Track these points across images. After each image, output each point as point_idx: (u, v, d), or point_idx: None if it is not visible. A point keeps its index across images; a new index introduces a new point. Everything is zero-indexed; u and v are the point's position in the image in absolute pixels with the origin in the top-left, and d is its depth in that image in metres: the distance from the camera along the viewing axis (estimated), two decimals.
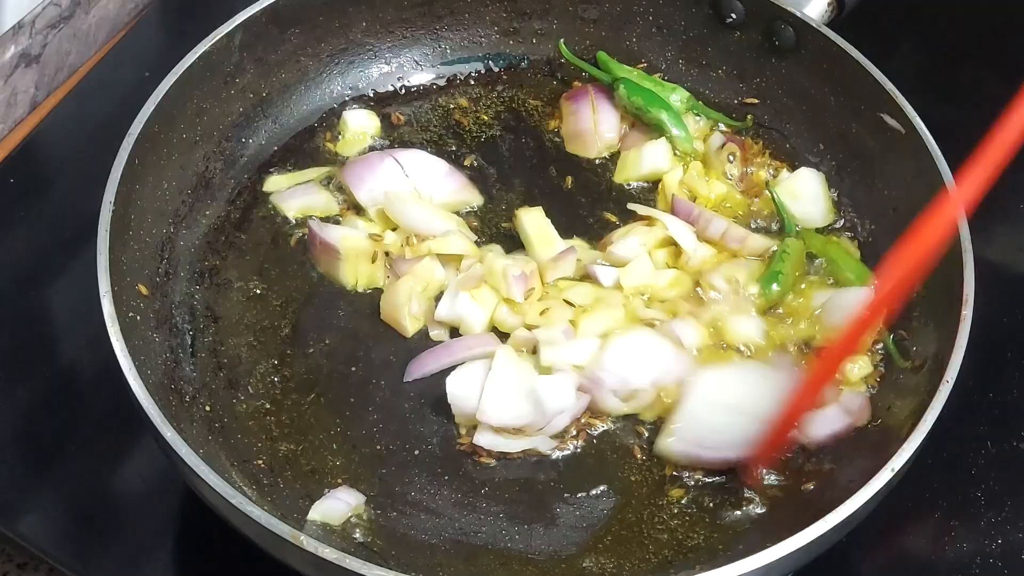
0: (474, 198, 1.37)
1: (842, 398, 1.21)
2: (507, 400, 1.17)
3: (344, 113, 1.44)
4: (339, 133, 1.43)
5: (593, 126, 1.43)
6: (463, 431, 1.20)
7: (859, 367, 1.23)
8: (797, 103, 1.43)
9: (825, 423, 1.19)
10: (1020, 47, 1.66)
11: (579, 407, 1.19)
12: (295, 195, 1.36)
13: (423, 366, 1.23)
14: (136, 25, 1.67)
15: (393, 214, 1.31)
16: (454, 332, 1.27)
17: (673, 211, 1.34)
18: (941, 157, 1.24)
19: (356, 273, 1.30)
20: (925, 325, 1.22)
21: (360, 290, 1.30)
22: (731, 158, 1.39)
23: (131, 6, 1.69)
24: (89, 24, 1.62)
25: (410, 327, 1.26)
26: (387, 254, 1.30)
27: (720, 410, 1.18)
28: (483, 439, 1.17)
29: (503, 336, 1.25)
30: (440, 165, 1.37)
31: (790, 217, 1.35)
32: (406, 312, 1.26)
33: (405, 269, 1.28)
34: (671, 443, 1.18)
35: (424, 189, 1.35)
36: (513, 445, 1.17)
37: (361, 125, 1.44)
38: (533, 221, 1.32)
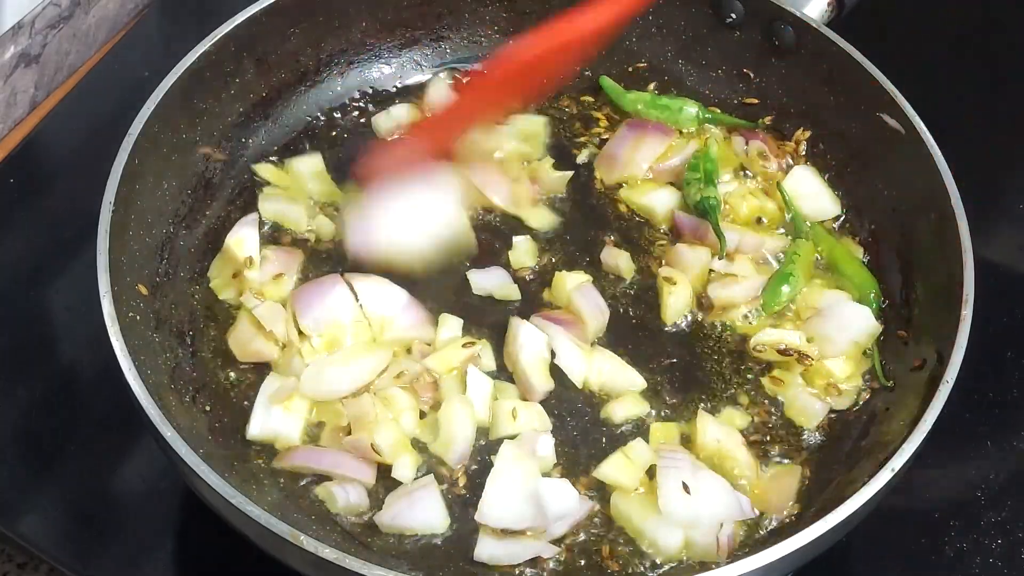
0: (429, 335, 1.24)
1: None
2: (508, 501, 1.11)
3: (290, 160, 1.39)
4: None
5: (630, 153, 1.39)
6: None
7: (842, 370, 1.23)
8: (797, 103, 1.43)
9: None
10: (1019, 47, 1.67)
11: (582, 512, 1.13)
12: (277, 201, 1.35)
13: (299, 458, 1.16)
14: (136, 25, 1.67)
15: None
16: None
17: (676, 227, 1.34)
18: (941, 157, 1.24)
19: (222, 271, 1.27)
20: (925, 325, 1.22)
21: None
22: (763, 155, 1.39)
23: (131, 6, 1.69)
24: (89, 24, 1.62)
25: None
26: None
27: None
28: (484, 551, 1.09)
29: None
30: (399, 296, 1.25)
31: (800, 216, 1.35)
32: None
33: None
34: None
35: (376, 321, 1.23)
36: (515, 555, 1.09)
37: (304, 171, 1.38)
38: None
